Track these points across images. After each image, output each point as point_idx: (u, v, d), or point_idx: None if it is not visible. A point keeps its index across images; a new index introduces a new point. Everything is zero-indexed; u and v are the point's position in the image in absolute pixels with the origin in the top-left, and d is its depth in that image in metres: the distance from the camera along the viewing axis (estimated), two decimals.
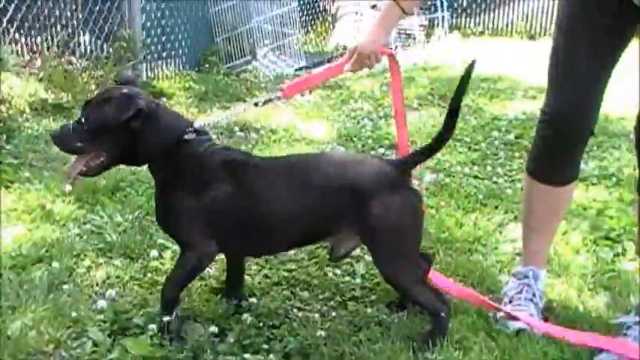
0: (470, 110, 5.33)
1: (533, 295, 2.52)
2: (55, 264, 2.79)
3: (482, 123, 5.05)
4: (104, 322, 2.44)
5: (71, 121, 2.41)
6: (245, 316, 2.50)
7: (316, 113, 5.41)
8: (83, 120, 2.33)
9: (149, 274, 2.78)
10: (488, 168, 4.18)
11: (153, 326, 2.39)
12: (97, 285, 2.71)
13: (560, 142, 2.42)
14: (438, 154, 4.16)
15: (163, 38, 6.55)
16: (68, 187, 3.29)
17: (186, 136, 2.34)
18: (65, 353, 2.28)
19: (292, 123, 5.07)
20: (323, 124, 5.11)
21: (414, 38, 7.80)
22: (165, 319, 2.34)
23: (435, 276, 2.59)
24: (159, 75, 6.40)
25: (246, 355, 2.28)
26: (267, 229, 2.36)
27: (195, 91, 6.05)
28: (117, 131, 2.29)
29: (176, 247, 2.93)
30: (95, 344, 2.31)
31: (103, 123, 2.29)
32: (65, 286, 2.66)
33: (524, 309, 2.47)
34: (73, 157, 2.41)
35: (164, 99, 5.79)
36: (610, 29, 2.30)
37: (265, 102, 2.48)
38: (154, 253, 2.91)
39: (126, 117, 2.25)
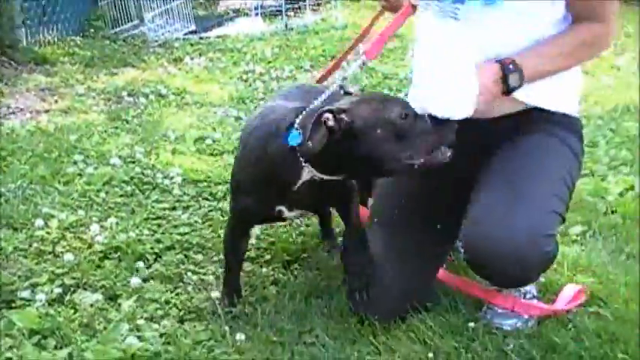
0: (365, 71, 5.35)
1: None
2: None
3: (374, 82, 5.07)
4: None
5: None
6: (137, 281, 2.43)
7: (207, 76, 5.33)
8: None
9: (35, 245, 2.66)
10: None
11: (41, 297, 2.29)
12: None
13: None
14: None
15: (43, 2, 6.27)
16: None
17: None
18: None
19: (183, 87, 4.97)
20: (214, 87, 5.03)
21: (305, 0, 7.76)
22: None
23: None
24: (40, 41, 6.14)
25: (140, 322, 2.22)
26: None
27: (80, 57, 5.85)
28: None
29: (63, 216, 2.85)
30: None
31: None
32: None
33: None
34: None
35: (47, 66, 5.58)
36: None
37: (357, 68, 2.26)
38: (39, 222, 2.79)
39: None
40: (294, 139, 1.88)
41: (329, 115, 1.83)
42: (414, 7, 2.22)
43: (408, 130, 1.86)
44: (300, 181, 2.00)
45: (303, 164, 1.93)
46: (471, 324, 2.16)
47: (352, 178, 2.14)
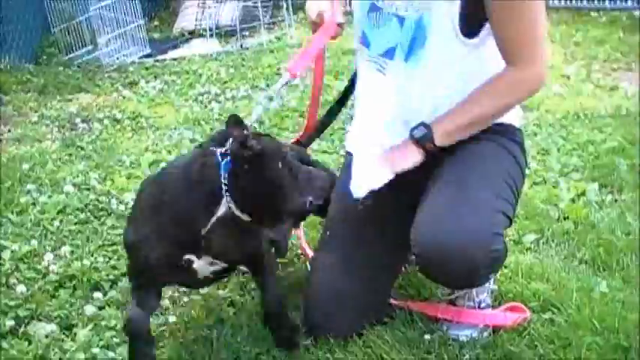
0: (323, 89, 5.35)
1: None
2: None
3: (329, 99, 5.06)
4: None
5: None
6: (92, 309, 2.41)
7: (162, 99, 5.29)
8: None
9: None
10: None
11: None
12: None
13: None
14: None
15: None
16: None
17: None
18: None
19: (138, 110, 4.95)
20: (169, 109, 5.01)
21: (260, 19, 7.77)
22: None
23: None
24: None
25: (95, 350, 2.20)
26: None
27: (33, 84, 5.78)
28: None
29: (15, 247, 2.82)
30: None
31: None
32: None
33: None
34: None
35: (0, 95, 5.52)
36: None
37: (281, 87, 2.14)
38: None
39: None
40: (226, 165, 1.86)
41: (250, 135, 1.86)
42: (340, 25, 2.23)
43: (297, 170, 1.95)
44: (215, 217, 1.87)
45: (224, 193, 1.85)
46: (427, 336, 2.19)
47: (260, 221, 1.99)
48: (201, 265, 1.96)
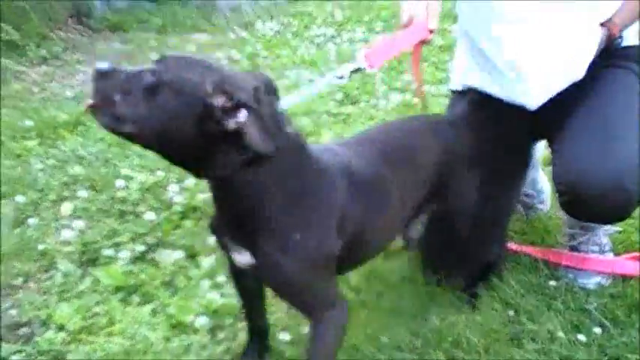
0: (437, 32, 5.23)
1: None
2: (20, 198, 2.73)
3: (449, 43, 4.97)
4: (73, 253, 2.40)
5: None
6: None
7: (278, 40, 5.31)
8: None
9: (116, 205, 2.72)
10: None
11: (124, 254, 2.36)
12: (63, 218, 2.66)
13: None
14: (405, 76, 4.21)
15: None
16: None
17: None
18: (35, 285, 2.24)
19: (254, 50, 4.98)
20: (286, 50, 5.01)
21: None
22: None
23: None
24: (114, 8, 6.23)
25: (220, 279, 2.25)
26: None
27: (152, 23, 5.91)
28: None
29: (142, 177, 2.89)
30: (65, 275, 2.28)
31: None
32: (31, 220, 2.60)
33: None
34: None
35: (121, 32, 5.67)
36: None
37: (352, 72, 1.90)
38: (120, 183, 2.85)
39: None
40: None
41: None
42: (431, 32, 2.05)
43: None
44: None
45: None
46: (552, 282, 2.14)
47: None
48: (235, 253, 1.54)
